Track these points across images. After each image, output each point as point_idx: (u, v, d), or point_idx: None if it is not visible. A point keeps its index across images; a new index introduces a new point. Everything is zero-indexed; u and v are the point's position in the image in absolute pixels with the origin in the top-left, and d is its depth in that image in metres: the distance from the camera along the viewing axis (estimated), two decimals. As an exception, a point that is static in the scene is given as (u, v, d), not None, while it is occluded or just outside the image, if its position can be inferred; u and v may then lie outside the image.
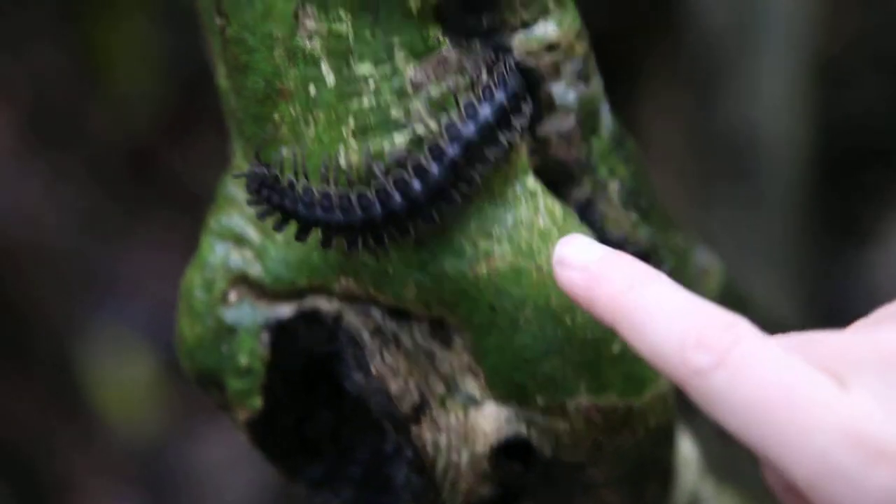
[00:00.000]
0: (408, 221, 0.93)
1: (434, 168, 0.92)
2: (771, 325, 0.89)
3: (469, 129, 0.92)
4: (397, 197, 0.92)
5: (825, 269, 2.34)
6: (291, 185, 0.93)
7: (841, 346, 0.80)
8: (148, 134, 2.78)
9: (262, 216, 0.94)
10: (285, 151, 0.96)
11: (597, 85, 1.00)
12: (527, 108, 0.95)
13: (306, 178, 0.94)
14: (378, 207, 0.92)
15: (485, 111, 0.92)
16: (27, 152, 2.77)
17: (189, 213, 2.78)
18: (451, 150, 0.92)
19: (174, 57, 2.69)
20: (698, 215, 2.18)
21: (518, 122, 0.94)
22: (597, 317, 0.86)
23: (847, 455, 0.74)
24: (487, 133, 0.92)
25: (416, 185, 0.92)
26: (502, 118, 0.93)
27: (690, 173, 2.26)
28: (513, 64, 0.95)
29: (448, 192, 0.93)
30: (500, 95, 0.93)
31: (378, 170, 0.93)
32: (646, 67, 2.45)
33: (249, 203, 0.95)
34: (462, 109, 0.92)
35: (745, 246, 2.13)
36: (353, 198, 0.92)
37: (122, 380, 2.69)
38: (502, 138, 0.93)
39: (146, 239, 2.81)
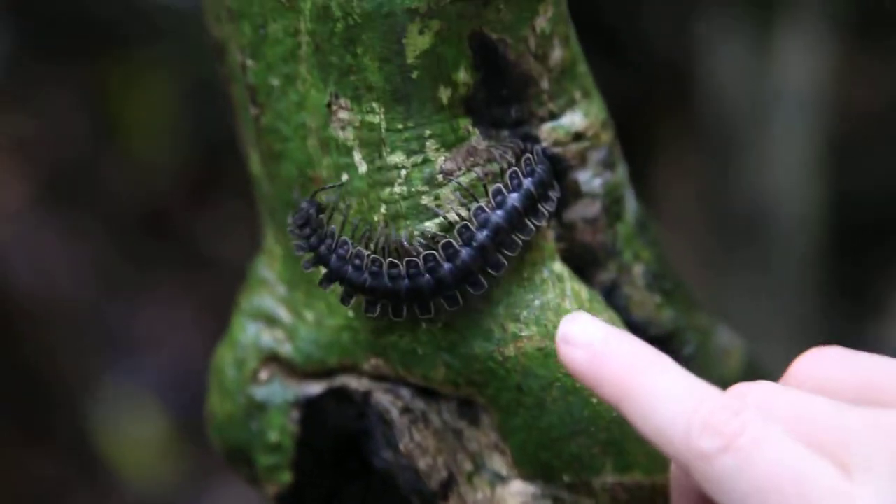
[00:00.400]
0: (431, 299, 0.96)
1: (464, 252, 0.94)
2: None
3: (498, 216, 0.95)
4: (426, 275, 0.95)
5: (837, 339, 2.35)
6: (332, 235, 0.96)
7: (841, 428, 0.81)
8: (164, 195, 2.81)
9: (297, 250, 0.97)
10: (338, 202, 0.98)
11: (622, 171, 1.03)
12: (554, 195, 0.97)
13: (352, 233, 0.97)
14: (406, 281, 0.95)
15: (513, 198, 0.95)
16: (44, 211, 2.80)
17: (203, 275, 2.81)
18: (481, 235, 0.94)
19: (192, 121, 2.73)
20: (712, 284, 2.20)
21: (545, 209, 0.96)
22: (600, 396, 0.86)
23: None
24: (516, 219, 0.95)
25: (446, 266, 0.95)
26: (530, 205, 0.95)
27: (704, 243, 2.28)
28: (540, 152, 0.97)
29: (475, 275, 0.95)
30: (528, 183, 0.95)
31: (411, 248, 0.95)
32: (661, 138, 2.48)
33: (290, 232, 0.97)
34: (491, 196, 0.95)
35: (757, 315, 2.15)
36: (384, 266, 0.95)
37: (135, 437, 2.70)
38: (530, 224, 0.96)
39: (159, 299, 2.83)
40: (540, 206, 0.96)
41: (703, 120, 2.29)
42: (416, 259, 0.95)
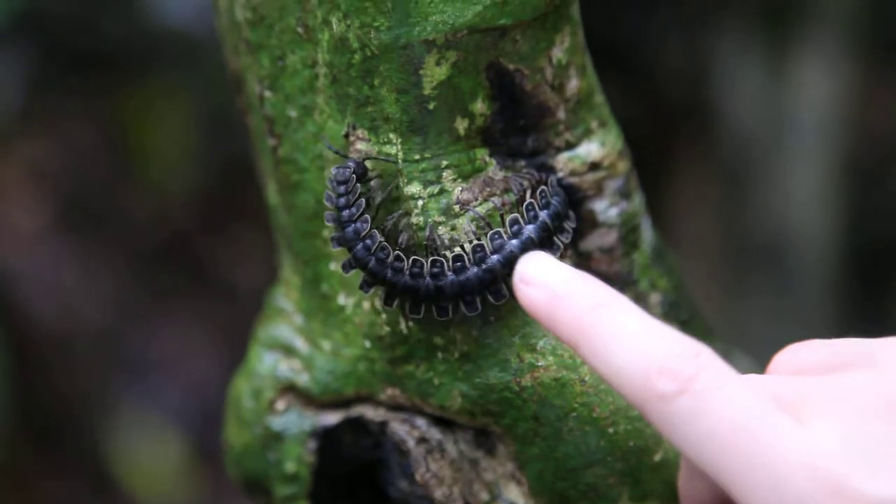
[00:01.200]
0: (425, 302, 0.95)
1: (472, 270, 0.94)
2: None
3: (513, 245, 0.94)
4: (428, 278, 0.94)
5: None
6: (357, 207, 0.95)
7: (800, 387, 0.82)
8: (180, 222, 2.82)
9: (326, 200, 0.96)
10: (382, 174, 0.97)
11: (638, 201, 1.03)
12: (570, 226, 0.97)
13: (376, 212, 0.96)
14: (405, 277, 0.95)
15: (529, 229, 0.95)
16: (62, 236, 2.81)
17: (218, 300, 2.81)
18: (492, 260, 0.94)
19: (208, 148, 2.74)
20: (729, 309, 2.19)
21: (560, 241, 0.96)
22: (557, 335, 0.85)
23: (806, 487, 0.76)
24: (531, 250, 0.95)
25: (450, 277, 0.94)
26: (546, 237, 0.95)
27: (722, 266, 2.28)
28: (556, 183, 0.97)
29: (473, 296, 0.95)
30: (543, 215, 0.95)
31: (429, 242, 0.95)
32: (679, 162, 2.47)
33: (328, 181, 0.96)
34: (508, 226, 0.95)
35: (775, 338, 2.14)
36: (391, 255, 0.95)
37: (151, 461, 2.71)
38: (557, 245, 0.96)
39: (175, 324, 2.83)
40: (556, 237, 0.96)
41: (719, 144, 2.29)
42: (423, 260, 0.95)
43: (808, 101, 2.17)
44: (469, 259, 0.94)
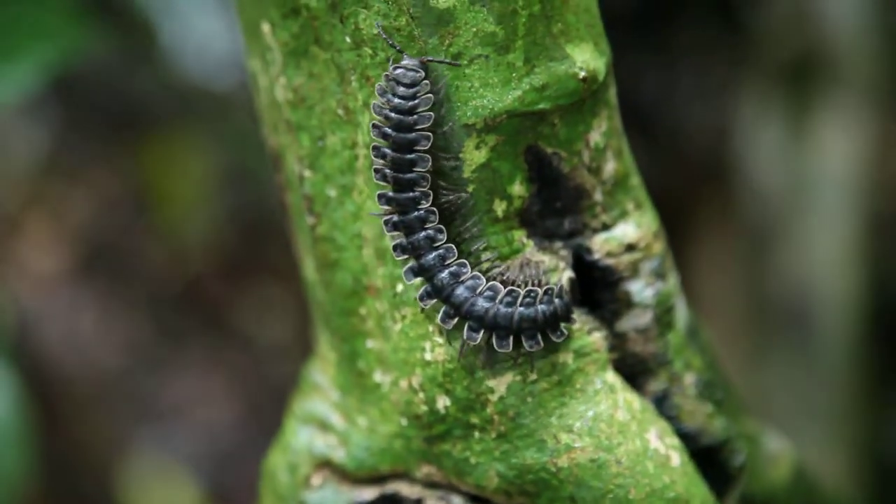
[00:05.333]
0: (432, 290, 0.96)
1: (466, 295, 0.95)
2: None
3: (501, 313, 0.95)
4: (447, 277, 0.95)
5: (878, 424, 2.33)
6: (423, 118, 0.93)
7: None
8: (198, 271, 2.83)
9: (375, 106, 0.94)
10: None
11: (673, 281, 1.03)
12: (559, 334, 0.97)
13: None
14: (440, 271, 0.96)
15: (521, 311, 0.95)
16: (83, 282, 2.82)
17: (233, 348, 2.82)
18: (469, 305, 0.95)
19: (227, 200, 2.75)
20: (752, 371, 2.19)
21: (529, 345, 0.96)
22: None
23: None
24: (506, 327, 0.96)
25: (457, 291, 0.96)
26: (512, 333, 0.96)
27: (745, 329, 2.27)
28: (558, 292, 0.96)
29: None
30: (519, 311, 0.96)
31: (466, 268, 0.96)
32: (700, 224, 2.48)
33: (387, 77, 0.93)
34: (502, 296, 0.95)
35: (798, 401, 2.13)
36: (433, 256, 0.96)
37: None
38: (528, 344, 0.96)
39: (191, 370, 2.84)
40: (525, 340, 0.96)
41: (741, 205, 2.28)
42: (463, 274, 0.96)
43: (829, 162, 2.17)
44: (467, 298, 0.95)
